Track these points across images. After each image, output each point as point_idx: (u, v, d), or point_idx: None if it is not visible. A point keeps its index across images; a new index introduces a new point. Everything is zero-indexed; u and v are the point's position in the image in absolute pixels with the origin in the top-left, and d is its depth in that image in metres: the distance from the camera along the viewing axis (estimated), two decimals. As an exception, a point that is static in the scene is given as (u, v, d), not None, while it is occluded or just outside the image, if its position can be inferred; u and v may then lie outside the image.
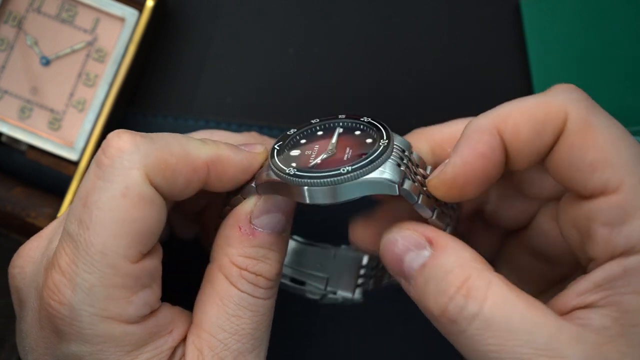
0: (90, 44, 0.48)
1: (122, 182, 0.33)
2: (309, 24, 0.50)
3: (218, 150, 0.36)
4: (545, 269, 0.39)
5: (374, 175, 0.33)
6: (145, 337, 0.35)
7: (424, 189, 0.35)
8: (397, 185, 0.33)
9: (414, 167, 0.35)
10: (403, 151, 0.35)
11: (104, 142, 0.34)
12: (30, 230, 0.47)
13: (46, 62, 0.48)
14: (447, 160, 0.34)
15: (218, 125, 0.49)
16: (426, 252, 0.34)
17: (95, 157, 0.34)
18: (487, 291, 0.32)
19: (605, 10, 0.48)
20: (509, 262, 0.40)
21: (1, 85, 0.48)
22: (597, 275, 0.32)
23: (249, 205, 0.36)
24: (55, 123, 0.48)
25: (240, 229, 0.36)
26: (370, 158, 0.34)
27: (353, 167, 0.33)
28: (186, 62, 0.50)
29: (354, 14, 0.50)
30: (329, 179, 0.33)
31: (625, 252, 0.32)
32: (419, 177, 0.35)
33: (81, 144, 0.47)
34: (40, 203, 0.47)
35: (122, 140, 0.34)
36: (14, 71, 0.48)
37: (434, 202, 0.35)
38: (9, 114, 0.48)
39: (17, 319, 0.38)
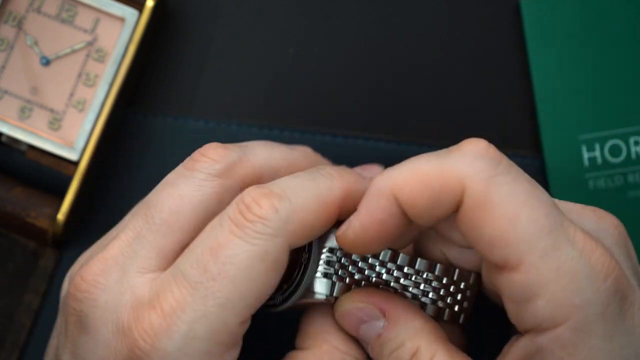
0: (90, 44, 0.48)
1: (263, 246, 0.33)
2: (309, 24, 0.50)
3: (348, 185, 0.35)
4: None
5: (305, 299, 0.36)
6: None
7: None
8: (327, 298, 0.36)
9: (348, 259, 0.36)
10: (332, 250, 0.36)
11: (241, 203, 0.34)
12: (30, 230, 0.47)
13: (46, 62, 0.48)
14: (350, 218, 0.34)
15: (218, 126, 0.49)
16: (380, 323, 0.35)
17: (228, 214, 0.34)
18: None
19: (605, 10, 0.48)
20: None
21: (1, 85, 0.48)
22: (518, 351, 0.33)
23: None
24: (55, 123, 0.48)
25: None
26: (295, 284, 0.36)
27: (283, 296, 0.36)
28: (186, 62, 0.50)
29: (354, 14, 0.50)
30: (267, 309, 0.36)
31: (535, 329, 0.32)
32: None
33: (81, 144, 0.47)
34: (40, 203, 0.47)
35: (262, 206, 0.33)
36: (14, 71, 0.48)
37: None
38: (9, 114, 0.48)
39: (67, 336, 0.36)
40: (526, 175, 0.33)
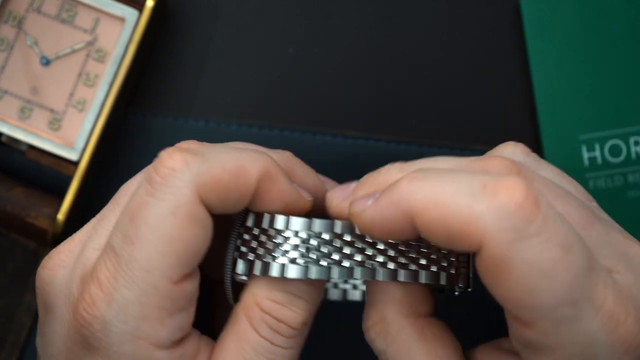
0: (90, 44, 0.48)
1: (173, 200, 0.33)
2: (309, 24, 0.50)
3: (268, 165, 0.35)
4: None
5: (238, 280, 0.36)
6: None
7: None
8: (247, 276, 0.35)
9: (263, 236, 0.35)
10: (249, 229, 0.35)
11: (156, 161, 0.34)
12: (30, 230, 0.47)
13: (46, 62, 0.48)
14: (367, 205, 0.33)
15: (218, 126, 0.49)
16: None
17: (146, 174, 0.34)
18: (396, 336, 0.34)
19: (605, 10, 0.48)
20: None
21: (1, 85, 0.48)
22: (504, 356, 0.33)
23: None
24: (55, 123, 0.48)
25: None
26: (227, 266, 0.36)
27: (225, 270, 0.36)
28: (186, 62, 0.50)
29: (354, 14, 0.50)
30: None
31: None
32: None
33: (81, 144, 0.47)
34: (40, 203, 0.47)
35: (173, 160, 0.33)
36: (14, 71, 0.48)
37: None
38: (9, 114, 0.48)
39: (39, 321, 0.37)
40: (566, 230, 0.30)
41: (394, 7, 0.50)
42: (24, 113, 0.48)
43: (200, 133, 0.49)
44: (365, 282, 0.39)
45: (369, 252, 0.34)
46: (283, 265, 0.34)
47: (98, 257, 0.34)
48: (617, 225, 0.34)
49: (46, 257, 0.37)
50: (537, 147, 0.49)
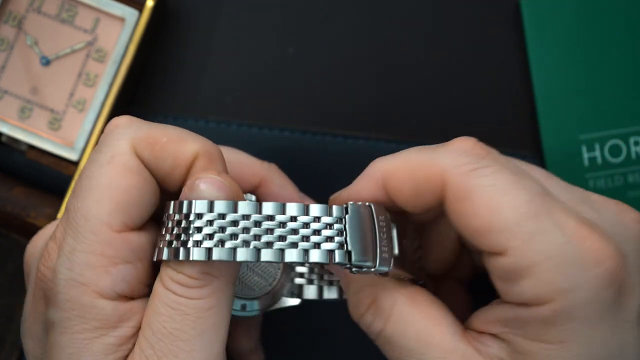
0: (90, 44, 0.48)
1: (110, 151, 0.34)
2: (309, 24, 0.50)
3: (211, 147, 0.36)
4: None
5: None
6: (113, 318, 0.34)
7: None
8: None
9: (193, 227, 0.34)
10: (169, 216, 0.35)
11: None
12: (30, 230, 0.47)
13: (46, 62, 0.48)
14: (342, 190, 0.37)
15: (218, 125, 0.49)
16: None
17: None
18: (391, 310, 0.35)
19: (605, 10, 0.48)
20: None
21: (1, 85, 0.48)
22: (498, 312, 0.34)
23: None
24: (55, 123, 0.48)
25: None
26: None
27: None
28: (186, 62, 0.50)
29: (354, 14, 0.50)
30: None
31: (521, 304, 0.33)
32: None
33: (81, 144, 0.47)
34: (40, 203, 0.47)
35: (120, 119, 0.36)
36: (14, 71, 0.48)
37: None
38: (9, 114, 0.48)
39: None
40: (514, 167, 0.34)
41: (394, 8, 0.50)
42: (24, 113, 0.48)
43: (200, 133, 0.49)
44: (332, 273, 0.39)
45: (278, 232, 0.33)
46: (188, 250, 0.33)
47: (52, 229, 0.36)
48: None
49: (30, 243, 0.39)
50: (537, 147, 0.49)
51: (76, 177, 0.46)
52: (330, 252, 0.33)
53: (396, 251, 0.35)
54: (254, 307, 0.40)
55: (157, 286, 0.34)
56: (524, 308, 0.33)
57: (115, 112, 0.47)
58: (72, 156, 0.46)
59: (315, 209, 0.33)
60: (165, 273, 0.34)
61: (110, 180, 0.34)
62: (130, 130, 0.35)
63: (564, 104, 0.48)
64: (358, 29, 0.50)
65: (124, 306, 0.34)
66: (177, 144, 0.35)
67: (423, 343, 0.35)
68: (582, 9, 0.49)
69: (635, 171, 0.48)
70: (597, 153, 0.48)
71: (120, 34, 0.47)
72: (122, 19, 0.47)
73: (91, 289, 0.34)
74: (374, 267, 0.34)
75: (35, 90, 0.48)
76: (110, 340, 0.34)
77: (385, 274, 0.35)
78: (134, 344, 0.34)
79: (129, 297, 0.35)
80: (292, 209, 0.33)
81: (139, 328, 0.35)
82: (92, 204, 0.34)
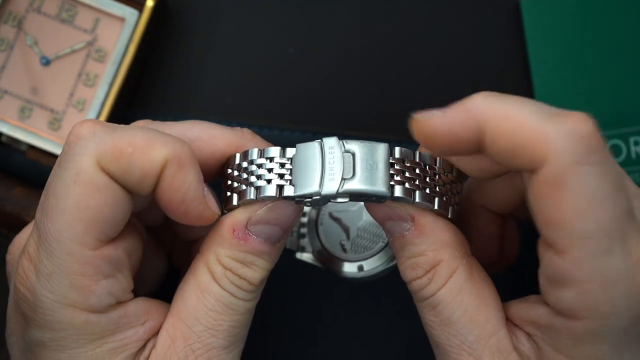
0: (90, 44, 0.48)
1: (73, 168, 0.33)
2: (309, 24, 0.50)
3: (180, 151, 0.34)
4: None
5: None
6: (109, 327, 0.34)
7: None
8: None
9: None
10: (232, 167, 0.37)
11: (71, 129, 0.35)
12: (30, 230, 0.47)
13: (46, 62, 0.48)
14: (434, 111, 0.35)
15: (218, 125, 0.49)
16: (407, 225, 0.35)
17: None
18: (448, 279, 0.35)
19: (605, 10, 0.48)
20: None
21: (1, 85, 0.48)
22: (535, 313, 0.34)
23: (248, 212, 0.35)
24: (55, 123, 0.48)
25: (234, 231, 0.35)
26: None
27: None
28: (186, 62, 0.50)
29: (354, 14, 0.50)
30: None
31: (554, 309, 0.33)
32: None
33: (81, 144, 0.47)
34: (40, 203, 0.47)
35: (82, 127, 0.34)
36: (14, 71, 0.48)
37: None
38: (9, 114, 0.48)
39: None
40: (617, 175, 0.32)
41: (394, 8, 0.50)
42: (24, 113, 0.48)
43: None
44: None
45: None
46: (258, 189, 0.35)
47: (30, 231, 0.35)
48: None
49: (10, 243, 0.38)
50: (537, 147, 0.49)
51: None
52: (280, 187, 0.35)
53: (352, 174, 0.35)
54: (371, 266, 0.42)
55: (211, 285, 0.35)
56: (560, 318, 0.32)
57: (115, 112, 0.47)
58: (72, 156, 0.46)
59: (274, 150, 0.36)
60: (222, 272, 0.35)
61: (78, 201, 0.33)
62: (92, 144, 0.33)
63: (564, 104, 0.48)
64: (358, 29, 0.50)
65: (116, 313, 0.35)
66: (143, 153, 0.34)
67: (468, 318, 0.34)
68: (582, 9, 0.49)
69: (635, 171, 0.48)
70: (597, 153, 0.48)
71: (120, 34, 0.47)
72: (122, 19, 0.47)
73: (79, 308, 0.34)
74: (319, 193, 0.34)
75: (35, 90, 0.48)
76: (111, 345, 0.34)
77: (379, 200, 0.35)
78: (142, 340, 0.35)
79: (120, 302, 0.35)
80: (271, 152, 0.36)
81: (139, 327, 0.35)
82: (64, 226, 0.33)
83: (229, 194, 0.36)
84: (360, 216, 0.42)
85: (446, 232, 0.35)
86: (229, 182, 0.36)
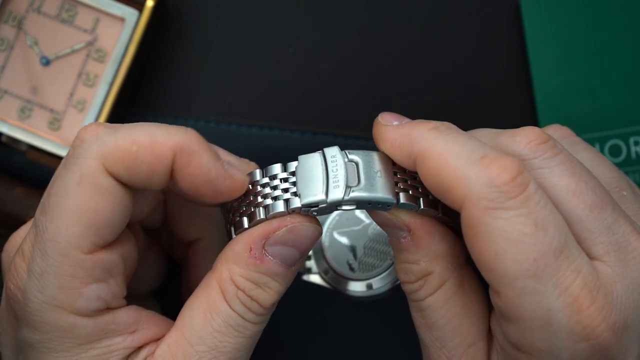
0: (90, 44, 0.48)
1: (78, 170, 0.33)
2: (309, 24, 0.50)
3: (187, 139, 0.34)
4: None
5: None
6: (97, 332, 0.34)
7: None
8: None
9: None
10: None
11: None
12: (30, 230, 0.47)
13: (46, 62, 0.48)
14: (390, 119, 0.36)
15: (218, 125, 0.49)
16: (403, 233, 0.35)
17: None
18: (437, 289, 0.35)
19: (605, 10, 0.48)
20: None
21: (1, 85, 0.48)
22: (500, 332, 0.34)
23: (265, 230, 0.35)
24: (55, 123, 0.48)
25: (251, 250, 0.35)
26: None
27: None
28: (186, 62, 0.50)
29: (354, 14, 0.50)
30: None
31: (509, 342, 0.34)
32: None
33: (81, 144, 0.47)
34: (40, 203, 0.47)
35: (86, 131, 0.34)
36: (14, 71, 0.48)
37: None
38: (9, 114, 0.48)
39: None
40: (543, 216, 0.31)
41: (394, 8, 0.50)
42: (24, 113, 0.48)
43: (200, 133, 0.49)
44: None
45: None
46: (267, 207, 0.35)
47: (28, 230, 0.35)
48: (632, 220, 0.34)
49: (7, 242, 0.38)
50: (537, 147, 0.49)
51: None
52: (286, 201, 0.35)
53: (357, 181, 0.35)
54: (379, 284, 0.42)
55: (221, 304, 0.35)
56: (509, 345, 0.33)
57: (115, 112, 0.47)
58: (72, 156, 0.47)
59: (276, 168, 0.36)
60: (234, 292, 0.35)
61: (79, 203, 0.33)
62: (96, 147, 0.34)
63: (564, 104, 0.48)
64: (358, 29, 0.50)
65: (104, 319, 0.34)
66: (147, 149, 0.34)
67: (451, 327, 0.35)
68: (582, 9, 0.49)
69: (635, 171, 0.48)
70: (597, 153, 0.48)
71: (120, 34, 0.47)
72: (122, 19, 0.47)
73: (67, 310, 0.33)
74: (325, 201, 0.34)
75: (35, 90, 0.48)
76: (97, 352, 0.34)
77: (385, 207, 0.35)
78: (130, 348, 0.35)
79: (109, 309, 0.35)
80: (274, 169, 0.36)
81: (127, 336, 0.35)
82: (61, 227, 0.33)
83: (237, 218, 0.36)
84: (366, 235, 0.43)
85: (442, 244, 0.35)
86: (235, 210, 0.36)
